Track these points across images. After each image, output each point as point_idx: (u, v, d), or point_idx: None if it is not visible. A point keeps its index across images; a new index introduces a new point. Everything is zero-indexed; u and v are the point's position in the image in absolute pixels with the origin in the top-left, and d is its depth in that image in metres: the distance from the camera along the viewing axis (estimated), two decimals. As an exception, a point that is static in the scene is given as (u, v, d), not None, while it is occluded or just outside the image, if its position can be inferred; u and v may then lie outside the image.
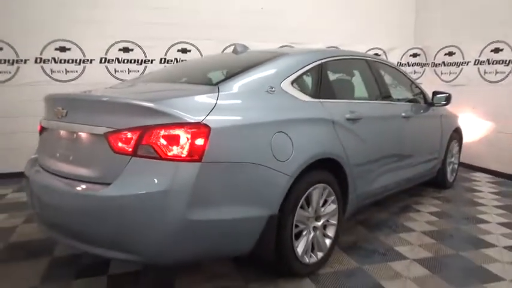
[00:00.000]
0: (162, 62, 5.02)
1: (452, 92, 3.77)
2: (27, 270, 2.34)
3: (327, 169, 2.34)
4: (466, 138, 4.75)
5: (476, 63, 5.18)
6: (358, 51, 3.48)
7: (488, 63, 5.00)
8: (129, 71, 4.90)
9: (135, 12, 4.82)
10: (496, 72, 4.91)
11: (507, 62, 4.78)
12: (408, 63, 6.09)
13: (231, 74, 2.19)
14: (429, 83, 5.62)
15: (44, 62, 4.60)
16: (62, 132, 2.06)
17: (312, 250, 2.28)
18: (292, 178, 2.03)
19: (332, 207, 2.38)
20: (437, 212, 3.48)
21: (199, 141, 1.71)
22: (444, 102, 3.65)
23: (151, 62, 4.97)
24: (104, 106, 1.92)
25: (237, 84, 2.06)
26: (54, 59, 4.62)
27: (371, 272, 2.33)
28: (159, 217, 1.67)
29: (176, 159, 1.69)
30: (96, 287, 2.14)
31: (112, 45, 4.81)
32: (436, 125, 3.85)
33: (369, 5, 5.79)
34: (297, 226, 2.15)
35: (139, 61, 4.94)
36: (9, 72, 4.51)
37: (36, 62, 4.58)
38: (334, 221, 2.42)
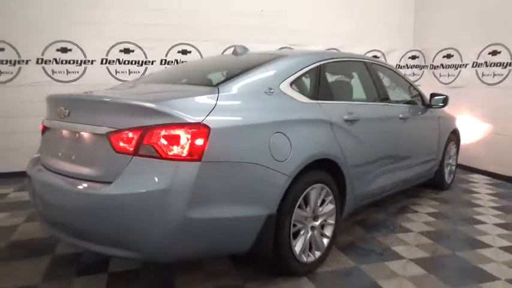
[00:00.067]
0: (163, 63, 5.05)
1: (450, 94, 3.80)
2: (29, 268, 2.36)
3: (325, 169, 2.36)
4: (464, 140, 4.78)
5: (474, 65, 5.21)
6: (357, 53, 3.50)
7: (486, 66, 5.03)
8: (129, 72, 4.92)
9: (135, 13, 4.84)
10: (494, 75, 4.94)
11: (505, 64, 4.81)
12: (407, 65, 6.12)
13: (231, 76, 2.22)
14: (428, 85, 5.66)
15: (46, 63, 4.62)
16: (64, 132, 2.09)
17: (310, 249, 2.31)
18: (291, 178, 2.06)
19: (330, 207, 2.41)
20: (434, 213, 3.50)
21: (199, 141, 1.73)
22: (441, 104, 3.69)
23: (152, 63, 4.99)
24: (106, 106, 1.95)
25: (236, 86, 2.09)
26: (55, 59, 4.65)
27: (368, 272, 2.36)
28: (159, 215, 1.69)
29: (176, 158, 1.72)
30: (97, 285, 2.17)
31: (113, 46, 4.83)
32: (433, 127, 3.87)
33: (368, 8, 5.82)
34: (295, 225, 2.18)
35: (140, 62, 4.97)
36: (11, 73, 4.53)
37: (37, 62, 4.60)
38: (332, 221, 2.44)
